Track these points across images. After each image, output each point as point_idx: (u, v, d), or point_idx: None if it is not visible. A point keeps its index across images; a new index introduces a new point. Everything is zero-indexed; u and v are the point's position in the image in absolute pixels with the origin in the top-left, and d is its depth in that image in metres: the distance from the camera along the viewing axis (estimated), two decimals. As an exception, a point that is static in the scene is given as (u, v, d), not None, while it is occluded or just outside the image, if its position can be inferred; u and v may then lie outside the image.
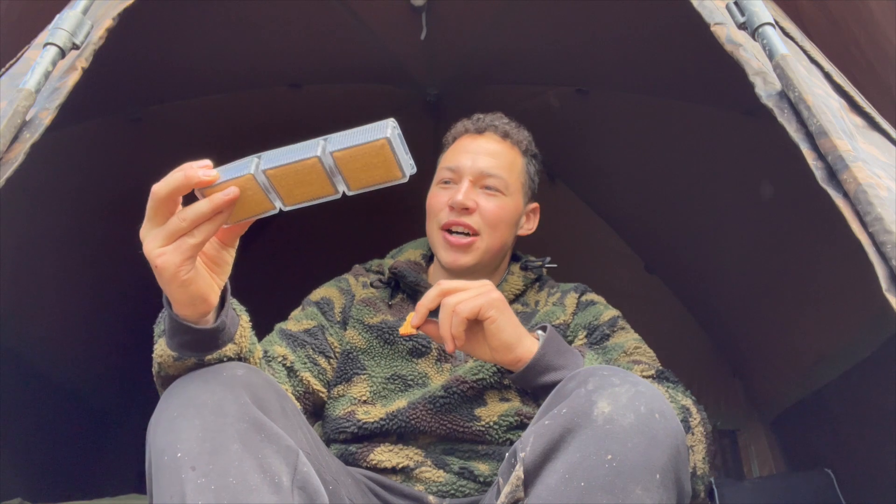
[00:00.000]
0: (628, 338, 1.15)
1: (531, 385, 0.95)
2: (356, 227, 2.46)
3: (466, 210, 1.17)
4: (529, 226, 1.30)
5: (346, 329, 1.19)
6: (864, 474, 1.72)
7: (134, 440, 2.58)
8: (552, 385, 0.86)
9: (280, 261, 2.62)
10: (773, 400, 2.27)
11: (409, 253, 1.32)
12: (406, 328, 0.99)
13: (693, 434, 0.95)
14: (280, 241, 2.63)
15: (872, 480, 1.68)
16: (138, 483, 2.26)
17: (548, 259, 1.30)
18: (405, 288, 1.25)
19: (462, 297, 0.92)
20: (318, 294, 1.25)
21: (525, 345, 0.94)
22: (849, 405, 1.82)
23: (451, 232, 1.19)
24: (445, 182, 1.23)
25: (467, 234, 1.18)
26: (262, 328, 1.19)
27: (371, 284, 1.27)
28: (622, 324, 1.19)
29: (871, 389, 1.70)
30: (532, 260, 1.31)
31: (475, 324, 0.93)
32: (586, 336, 1.17)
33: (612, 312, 1.21)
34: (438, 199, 1.22)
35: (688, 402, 1.00)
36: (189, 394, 0.76)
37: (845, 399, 1.83)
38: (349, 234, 2.46)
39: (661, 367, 1.09)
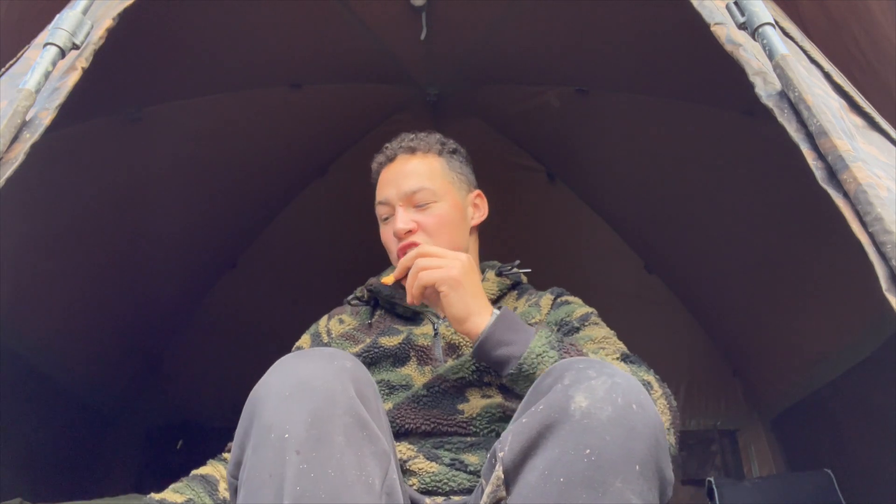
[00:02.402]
0: (598, 331, 1.18)
1: (488, 360, 1.02)
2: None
3: (409, 233, 1.23)
4: (480, 213, 1.35)
5: None
6: (864, 474, 1.72)
7: (134, 440, 2.60)
8: (505, 360, 0.98)
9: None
10: (773, 400, 2.27)
11: (388, 274, 1.38)
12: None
13: (655, 405, 0.96)
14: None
15: (872, 480, 1.68)
16: (138, 483, 2.27)
17: (518, 262, 1.35)
18: (384, 304, 1.32)
19: (428, 264, 1.05)
20: (295, 345, 1.33)
21: (475, 321, 1.02)
22: (849, 405, 1.82)
23: None
24: (385, 219, 1.30)
25: None
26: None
27: (349, 302, 1.36)
28: (595, 319, 1.22)
29: (871, 389, 1.70)
30: (505, 265, 1.35)
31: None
32: (557, 331, 1.19)
33: (585, 309, 1.25)
34: (386, 235, 1.29)
35: (650, 377, 1.02)
36: (301, 375, 0.77)
37: (845, 399, 1.83)
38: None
39: (627, 353, 1.11)
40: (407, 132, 1.37)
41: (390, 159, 1.33)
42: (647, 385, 0.99)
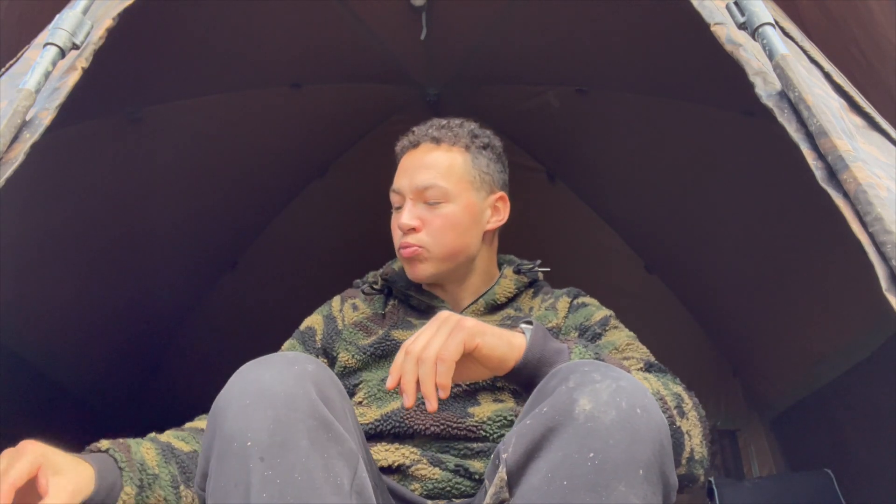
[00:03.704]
0: (620, 335, 1.16)
1: (523, 385, 0.93)
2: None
3: (413, 230, 1.20)
4: (498, 217, 1.28)
5: (326, 356, 1.24)
6: (864, 474, 1.72)
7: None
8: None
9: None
10: (773, 400, 2.27)
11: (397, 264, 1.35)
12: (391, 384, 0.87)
13: (687, 419, 0.95)
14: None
15: (872, 480, 1.68)
16: (138, 483, 2.25)
17: (539, 262, 1.31)
18: (397, 294, 1.28)
19: (436, 342, 0.84)
20: (304, 323, 1.29)
21: (515, 346, 0.90)
22: (849, 405, 1.82)
23: None
24: (396, 207, 1.25)
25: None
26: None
27: (363, 291, 1.30)
28: (614, 322, 1.20)
29: (871, 389, 1.70)
30: (524, 263, 1.32)
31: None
32: (578, 336, 1.17)
33: (603, 312, 1.22)
34: (393, 225, 1.25)
35: (678, 388, 0.99)
36: (262, 382, 0.76)
37: (845, 399, 1.83)
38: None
39: (651, 360, 1.09)
40: (439, 118, 1.31)
41: (414, 145, 1.27)
42: (679, 397, 0.96)
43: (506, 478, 0.74)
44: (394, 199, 1.26)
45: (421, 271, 1.21)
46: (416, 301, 1.26)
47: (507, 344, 0.89)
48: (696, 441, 0.95)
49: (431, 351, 0.83)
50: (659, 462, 0.73)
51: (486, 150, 1.29)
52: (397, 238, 1.24)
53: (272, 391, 0.74)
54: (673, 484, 0.76)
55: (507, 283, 1.27)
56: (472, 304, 1.25)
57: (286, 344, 1.27)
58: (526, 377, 0.90)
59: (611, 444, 0.70)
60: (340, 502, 0.71)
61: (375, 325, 1.24)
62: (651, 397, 0.76)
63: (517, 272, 1.30)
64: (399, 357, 0.86)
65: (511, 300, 1.27)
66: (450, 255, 1.22)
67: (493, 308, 1.25)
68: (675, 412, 0.93)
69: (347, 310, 1.28)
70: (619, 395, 0.73)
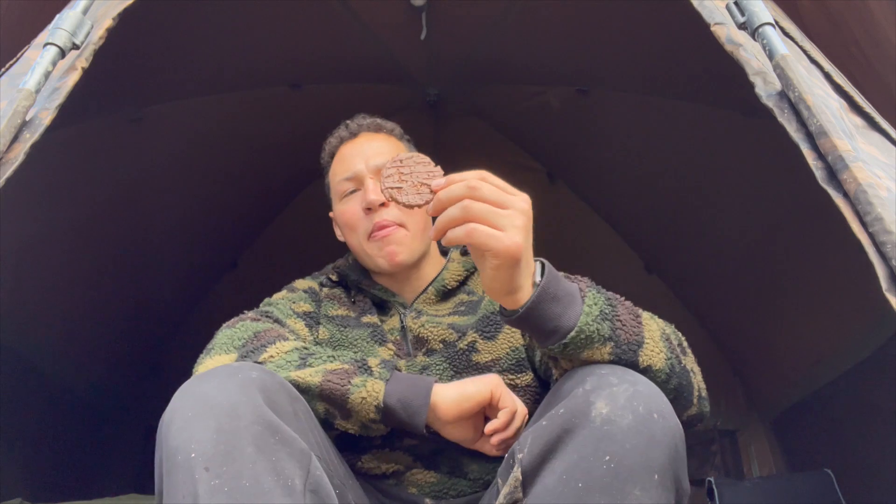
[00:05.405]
0: None
1: (525, 330, 0.87)
2: None
3: (383, 206, 1.15)
4: None
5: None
6: (864, 474, 1.72)
7: (134, 440, 2.60)
8: (549, 333, 0.80)
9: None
10: (773, 400, 2.27)
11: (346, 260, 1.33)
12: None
13: (687, 356, 0.95)
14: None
15: (872, 480, 1.68)
16: (138, 483, 2.27)
17: None
18: (351, 286, 1.25)
19: (487, 217, 0.74)
20: (302, 284, 1.27)
21: (514, 298, 0.80)
22: (849, 405, 1.82)
23: None
24: (350, 192, 1.21)
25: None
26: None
27: (322, 285, 1.27)
28: None
29: (871, 389, 1.70)
30: None
31: None
32: None
33: None
34: (351, 211, 1.19)
35: (671, 327, 0.98)
36: (204, 394, 0.76)
37: (845, 399, 1.83)
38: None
39: None
40: (364, 113, 1.36)
41: (354, 135, 1.29)
42: (677, 335, 0.96)
43: (520, 478, 0.74)
44: (345, 186, 1.21)
45: (402, 256, 1.16)
46: (370, 295, 1.22)
47: (510, 288, 0.79)
48: (699, 378, 0.96)
49: (478, 213, 0.75)
50: (673, 467, 0.73)
51: (410, 143, 1.34)
52: (363, 224, 1.17)
53: (214, 402, 0.75)
54: (685, 489, 0.77)
55: (456, 266, 1.23)
56: (423, 293, 1.20)
57: (280, 298, 1.23)
58: (536, 314, 0.81)
59: (627, 448, 0.71)
60: (293, 502, 0.71)
61: (347, 301, 1.22)
62: (667, 402, 0.76)
63: (464, 254, 1.26)
64: (472, 172, 0.77)
65: (462, 283, 1.23)
66: (422, 230, 1.18)
67: (444, 294, 1.21)
68: (678, 351, 0.92)
69: (316, 285, 1.28)
70: (636, 399, 0.73)
